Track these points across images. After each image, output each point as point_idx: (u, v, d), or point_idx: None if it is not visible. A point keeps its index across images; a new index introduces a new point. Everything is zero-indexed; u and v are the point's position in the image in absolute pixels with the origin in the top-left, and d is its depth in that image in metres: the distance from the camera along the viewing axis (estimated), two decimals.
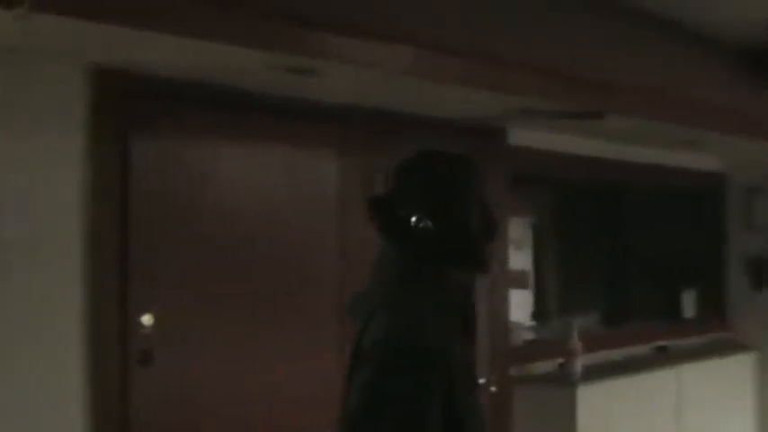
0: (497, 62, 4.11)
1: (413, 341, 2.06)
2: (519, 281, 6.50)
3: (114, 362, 3.70)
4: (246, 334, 4.10)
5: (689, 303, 6.90)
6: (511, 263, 5.95)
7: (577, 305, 6.18)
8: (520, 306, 6.50)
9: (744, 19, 6.07)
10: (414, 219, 2.17)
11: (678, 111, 5.23)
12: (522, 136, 5.28)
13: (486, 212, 2.27)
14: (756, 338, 7.05)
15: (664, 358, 6.28)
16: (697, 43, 6.17)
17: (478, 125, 5.00)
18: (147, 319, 3.80)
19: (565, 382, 5.24)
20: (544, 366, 5.55)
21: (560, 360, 5.39)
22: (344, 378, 2.23)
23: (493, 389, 5.04)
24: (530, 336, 5.96)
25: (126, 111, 3.74)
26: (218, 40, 3.23)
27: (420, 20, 3.89)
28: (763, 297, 7.06)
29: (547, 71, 4.39)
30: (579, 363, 5.25)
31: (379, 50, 3.67)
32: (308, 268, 4.37)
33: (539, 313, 6.57)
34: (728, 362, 6.79)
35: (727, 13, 5.91)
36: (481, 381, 4.99)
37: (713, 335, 7.05)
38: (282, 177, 4.30)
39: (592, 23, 5.12)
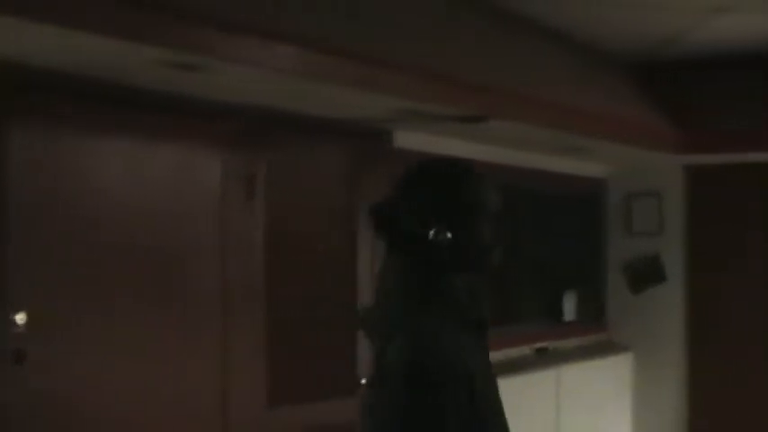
0: (381, 64, 4.14)
1: (433, 359, 2.07)
2: None
3: None
4: (125, 334, 4.04)
5: (569, 306, 7.04)
6: None
7: None
8: None
9: (633, 34, 6.25)
10: (432, 231, 2.17)
11: (561, 118, 5.34)
12: (409, 138, 5.31)
13: (494, 220, 2.27)
14: (633, 340, 7.24)
15: (544, 359, 6.40)
16: (586, 54, 6.33)
17: (365, 127, 5.02)
18: (20, 318, 3.72)
19: None
20: None
21: None
22: (364, 402, 2.24)
23: None
24: None
25: (1, 104, 3.65)
26: (101, 33, 3.18)
27: (304, 20, 3.89)
28: (641, 300, 7.26)
29: (431, 74, 4.44)
30: None
31: (262, 49, 3.66)
32: (189, 268, 4.33)
33: None
34: (607, 363, 6.96)
35: (618, 28, 6.08)
36: (363, 381, 5.02)
37: (592, 337, 7.21)
38: (165, 175, 4.25)
39: (479, 30, 5.20)
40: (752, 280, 7.03)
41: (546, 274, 6.95)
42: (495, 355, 5.97)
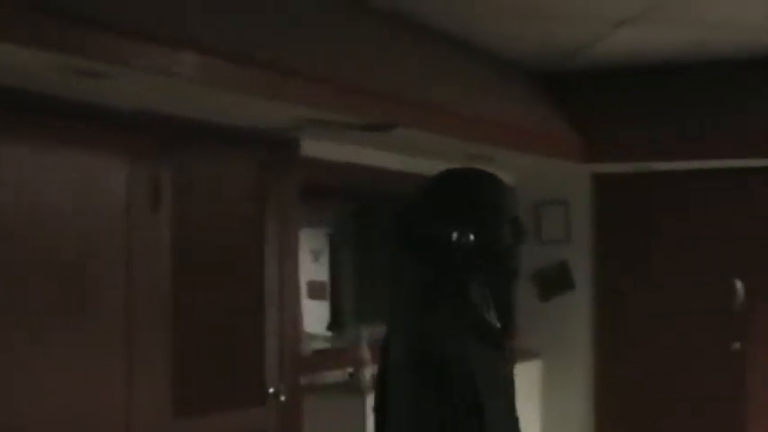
0: (286, 73, 4.14)
1: (434, 353, 2.18)
2: (317, 291, 6.55)
3: None
4: (26, 349, 3.94)
5: None
6: (309, 274, 5.99)
7: (372, 315, 6.25)
8: (318, 316, 6.55)
9: (540, 44, 6.35)
10: (455, 234, 2.27)
11: (467, 127, 5.39)
12: (317, 147, 5.31)
13: (516, 222, 2.37)
14: (542, 347, 7.33)
15: None
16: (493, 64, 6.40)
17: (272, 135, 5.01)
18: None
19: (354, 390, 5.29)
20: (335, 376, 5.59)
21: (350, 369, 5.44)
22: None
23: (282, 398, 5.05)
24: (326, 345, 6.00)
25: None
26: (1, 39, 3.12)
27: (208, 28, 3.88)
28: (550, 307, 7.35)
29: (336, 83, 4.45)
30: (369, 371, 5.30)
31: (165, 56, 3.63)
32: (94, 278, 4.25)
33: (335, 323, 6.63)
34: (517, 369, 7.01)
35: (525, 39, 6.17)
36: (270, 390, 5.01)
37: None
38: (68, 183, 4.15)
39: (385, 38, 5.23)
40: (657, 287, 7.16)
41: None
42: None
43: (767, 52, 6.59)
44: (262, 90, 4.04)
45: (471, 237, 2.28)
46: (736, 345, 6.92)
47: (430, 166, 6.21)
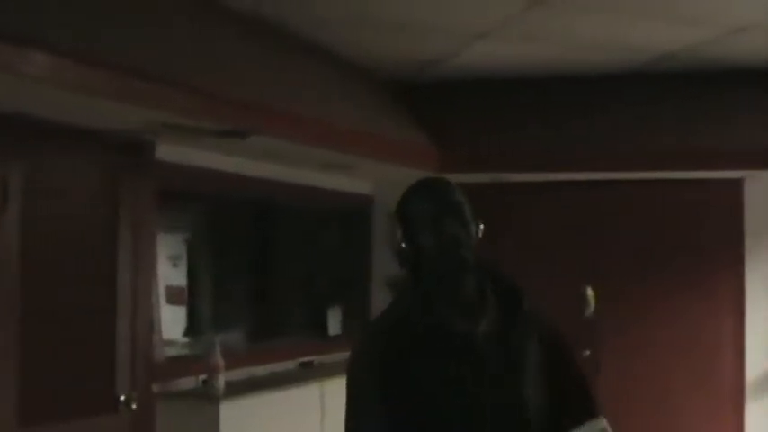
0: (137, 76, 4.08)
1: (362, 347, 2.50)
2: (175, 297, 6.47)
3: None
4: None
5: (335, 320, 7.12)
6: (168, 279, 5.91)
7: (227, 321, 6.22)
8: (176, 322, 6.47)
9: (398, 55, 6.43)
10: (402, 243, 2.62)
11: (322, 135, 5.42)
12: (171, 151, 5.26)
13: (432, 227, 2.62)
14: None
15: (308, 374, 6.44)
16: (351, 73, 6.45)
17: (125, 138, 4.93)
18: None
19: (207, 397, 5.24)
20: (188, 383, 5.53)
21: (203, 376, 5.39)
22: None
23: (134, 405, 4.97)
24: (183, 352, 5.93)
25: None
26: None
27: (61, 29, 3.81)
28: None
29: (189, 88, 4.41)
30: (222, 379, 5.26)
31: (12, 55, 3.55)
32: None
33: (191, 329, 6.56)
34: None
35: (383, 49, 6.24)
36: (122, 397, 4.93)
37: None
38: None
39: (240, 44, 5.21)
40: None
41: (311, 289, 7.01)
42: (258, 370, 6.02)
43: (617, 70, 6.84)
44: (112, 92, 3.97)
45: (403, 245, 2.62)
46: (586, 352, 7.12)
47: (287, 173, 6.29)
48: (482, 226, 2.66)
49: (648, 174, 6.78)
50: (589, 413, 2.53)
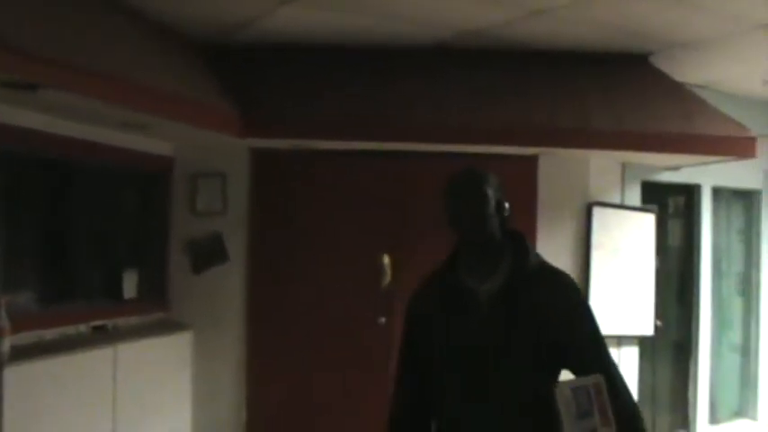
0: None
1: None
2: None
3: None
4: None
5: (130, 284, 6.98)
6: None
7: (16, 283, 5.99)
8: None
9: (204, 17, 6.33)
10: None
11: (117, 92, 5.26)
12: None
13: (457, 199, 3.38)
14: (195, 319, 7.35)
15: (101, 338, 6.31)
16: (155, 32, 6.30)
17: None
18: None
19: None
20: None
21: None
22: None
23: None
24: None
25: None
26: None
27: None
28: (203, 280, 7.37)
29: None
30: (8, 342, 5.07)
31: None
32: None
33: None
34: (167, 341, 7.01)
35: (190, 10, 6.14)
36: None
37: (154, 315, 7.22)
38: None
39: None
40: (312, 262, 7.38)
41: (106, 251, 6.84)
42: (49, 334, 5.84)
43: (423, 44, 6.95)
44: None
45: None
46: (382, 319, 7.26)
47: (84, 131, 6.08)
48: (507, 204, 3.23)
49: (446, 146, 6.92)
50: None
